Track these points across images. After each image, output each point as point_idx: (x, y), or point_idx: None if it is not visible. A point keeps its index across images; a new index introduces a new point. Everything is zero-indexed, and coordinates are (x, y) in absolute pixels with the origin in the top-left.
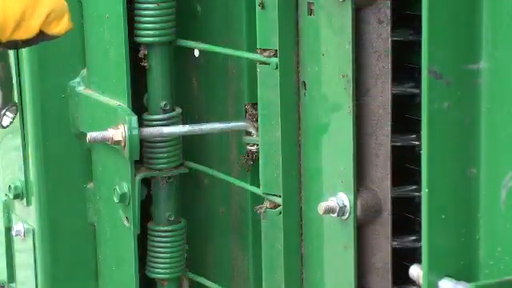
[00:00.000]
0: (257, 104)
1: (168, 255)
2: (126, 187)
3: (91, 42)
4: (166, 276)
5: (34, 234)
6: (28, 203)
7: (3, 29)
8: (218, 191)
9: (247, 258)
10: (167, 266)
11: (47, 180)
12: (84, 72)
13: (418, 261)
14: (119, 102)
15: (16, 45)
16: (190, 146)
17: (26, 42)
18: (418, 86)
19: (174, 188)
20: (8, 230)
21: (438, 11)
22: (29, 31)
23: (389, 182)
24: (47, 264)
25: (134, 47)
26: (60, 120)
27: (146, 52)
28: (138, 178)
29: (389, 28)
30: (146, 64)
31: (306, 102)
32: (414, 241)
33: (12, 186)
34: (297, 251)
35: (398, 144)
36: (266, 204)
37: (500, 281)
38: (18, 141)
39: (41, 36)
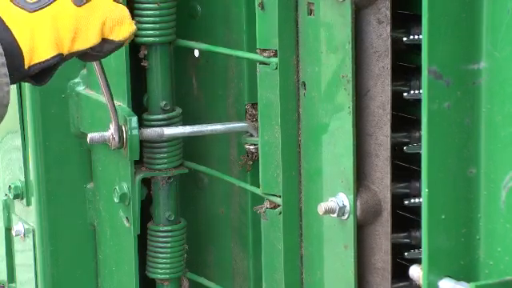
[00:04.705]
0: (257, 104)
1: (168, 255)
2: (125, 187)
3: None
4: (166, 276)
5: (34, 234)
6: (28, 203)
7: (60, 43)
8: (218, 191)
9: (247, 258)
10: (167, 266)
11: (47, 180)
12: (84, 72)
13: (418, 261)
14: (119, 102)
15: (92, 57)
16: (189, 146)
17: (98, 52)
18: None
19: (174, 188)
20: (8, 230)
21: (437, 11)
22: (88, 41)
23: (389, 182)
24: (47, 264)
25: (134, 47)
26: (60, 120)
27: (145, 52)
28: (138, 178)
29: (388, 28)
30: (146, 64)
31: (305, 103)
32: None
33: (12, 186)
34: (297, 251)
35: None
36: (266, 204)
37: (500, 281)
38: (18, 141)
39: (106, 44)
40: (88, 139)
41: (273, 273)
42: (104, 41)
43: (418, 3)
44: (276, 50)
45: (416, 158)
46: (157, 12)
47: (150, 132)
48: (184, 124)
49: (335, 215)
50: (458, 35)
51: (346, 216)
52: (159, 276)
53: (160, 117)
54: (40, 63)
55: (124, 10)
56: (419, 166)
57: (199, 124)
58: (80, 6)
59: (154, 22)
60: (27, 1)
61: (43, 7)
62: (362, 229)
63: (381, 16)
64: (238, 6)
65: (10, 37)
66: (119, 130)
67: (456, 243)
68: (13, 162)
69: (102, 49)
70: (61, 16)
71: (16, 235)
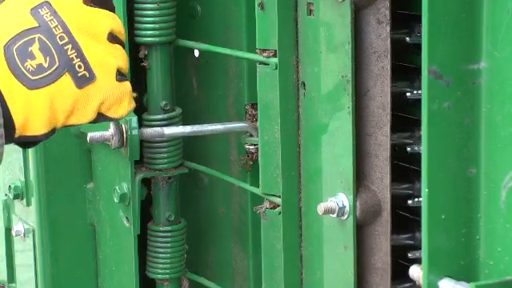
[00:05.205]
0: (257, 104)
1: (168, 255)
2: (125, 187)
3: None
4: (166, 276)
5: (34, 234)
6: (28, 203)
7: (55, 121)
8: (218, 191)
9: (247, 258)
10: (167, 266)
11: (47, 180)
12: None
13: (418, 261)
14: None
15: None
16: (189, 146)
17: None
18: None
19: (174, 188)
20: (8, 230)
21: (438, 11)
22: (84, 118)
23: (388, 183)
24: (47, 264)
25: (134, 47)
26: None
27: (146, 52)
28: (138, 178)
29: (388, 28)
30: (146, 64)
31: (305, 103)
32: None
33: (12, 186)
34: (296, 251)
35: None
36: (266, 204)
37: (500, 281)
38: None
39: (101, 118)
40: (88, 138)
41: (272, 273)
42: (100, 115)
43: (417, 3)
44: (275, 50)
45: (416, 159)
46: (157, 12)
47: (150, 132)
48: (184, 124)
49: (335, 215)
50: (458, 35)
51: (346, 216)
52: (159, 276)
53: (160, 117)
54: (31, 136)
55: (126, 88)
56: (419, 167)
57: (199, 124)
58: (81, 89)
59: (153, 22)
60: (28, 75)
61: (43, 86)
62: (361, 229)
63: (380, 16)
64: (237, 5)
65: (4, 109)
66: (119, 129)
67: (456, 243)
68: (13, 162)
69: (97, 120)
70: (59, 97)
71: (16, 235)
